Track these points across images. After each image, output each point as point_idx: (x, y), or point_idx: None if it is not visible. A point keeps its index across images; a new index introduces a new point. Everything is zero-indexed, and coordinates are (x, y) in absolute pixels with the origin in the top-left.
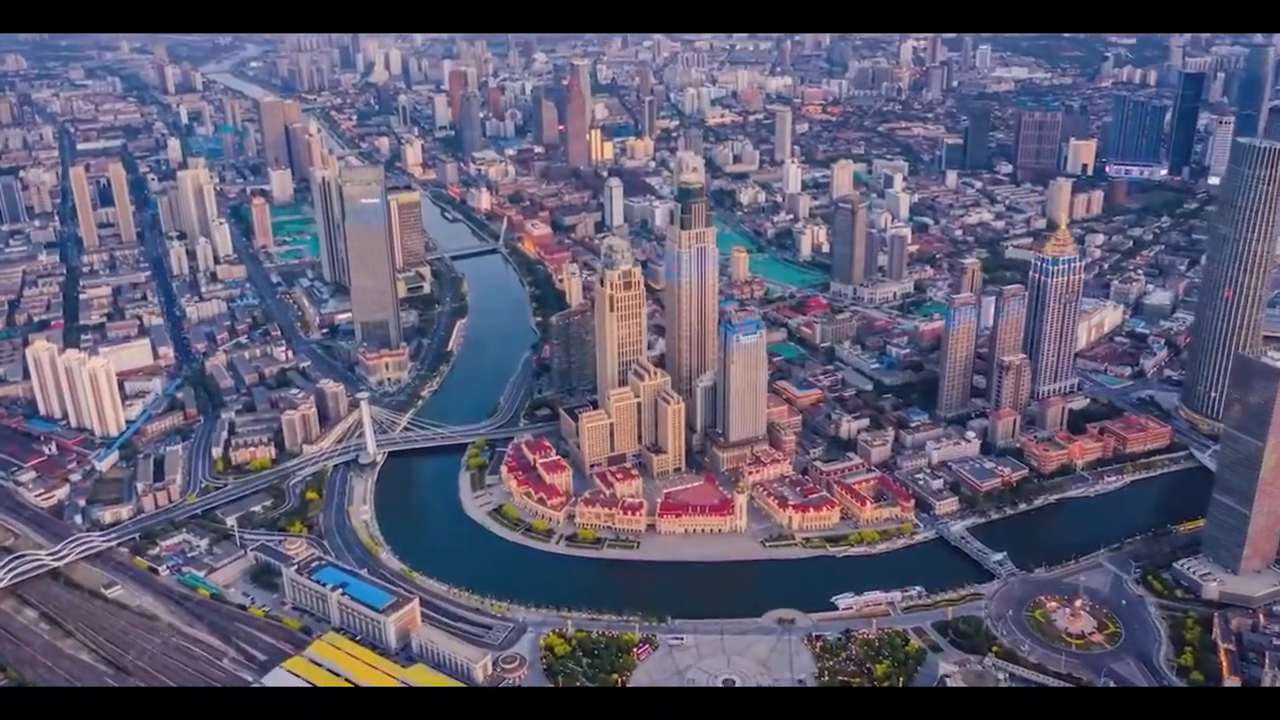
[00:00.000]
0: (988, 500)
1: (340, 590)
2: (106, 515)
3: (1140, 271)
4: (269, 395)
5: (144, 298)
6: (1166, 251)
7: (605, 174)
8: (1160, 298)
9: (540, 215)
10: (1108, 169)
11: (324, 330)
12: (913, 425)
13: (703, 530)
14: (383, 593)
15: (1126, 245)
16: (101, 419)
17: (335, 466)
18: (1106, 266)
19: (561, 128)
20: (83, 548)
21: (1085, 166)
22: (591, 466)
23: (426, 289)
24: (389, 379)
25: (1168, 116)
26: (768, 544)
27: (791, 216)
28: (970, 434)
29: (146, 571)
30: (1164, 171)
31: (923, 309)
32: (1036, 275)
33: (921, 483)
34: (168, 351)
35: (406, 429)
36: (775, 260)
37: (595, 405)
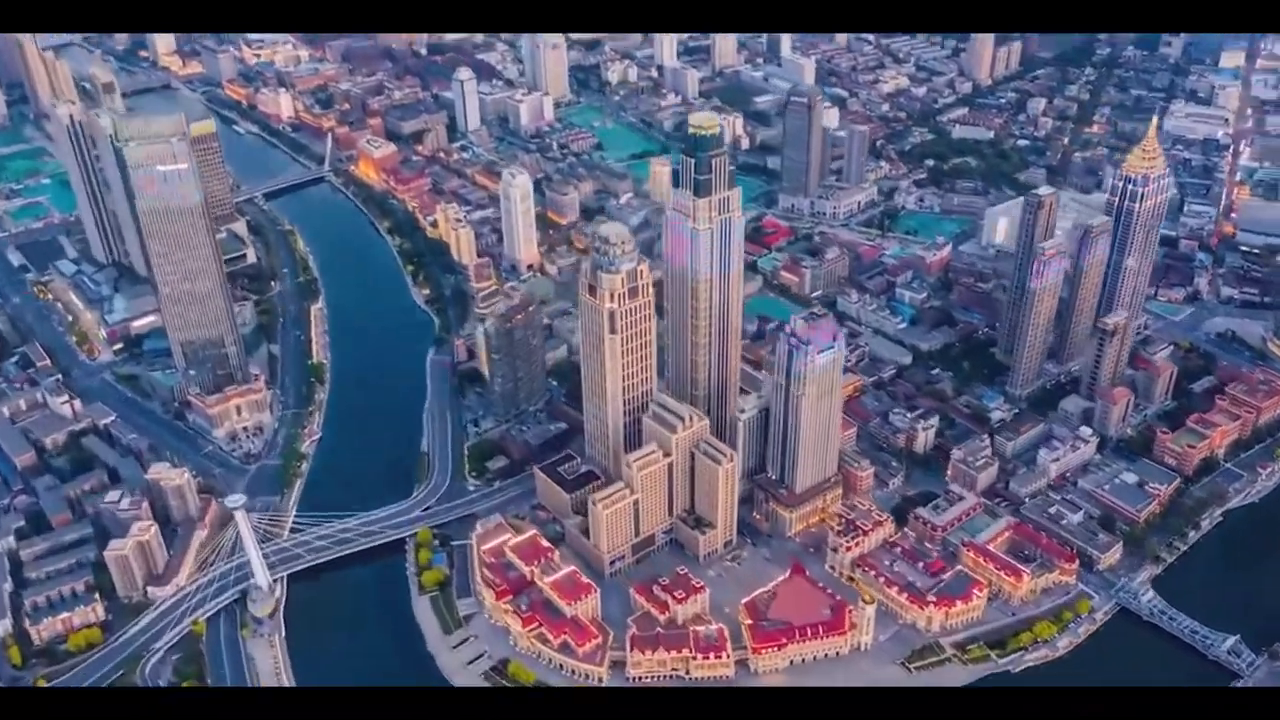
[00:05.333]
0: (1150, 533)
1: None
2: None
3: (1103, 146)
4: (65, 492)
5: None
6: (1117, 114)
7: (424, 52)
8: None
9: (370, 124)
10: None
11: (118, 348)
12: (994, 417)
13: (816, 657)
14: None
15: (1072, 110)
16: None
17: (212, 618)
18: (1068, 141)
19: None
20: None
21: None
22: (612, 565)
23: (250, 256)
24: (245, 430)
25: None
26: (912, 666)
27: (679, 99)
28: (1086, 431)
29: None
30: None
31: (899, 222)
32: (1120, 200)
33: (1063, 520)
34: None
35: (297, 528)
36: None
37: (579, 458)
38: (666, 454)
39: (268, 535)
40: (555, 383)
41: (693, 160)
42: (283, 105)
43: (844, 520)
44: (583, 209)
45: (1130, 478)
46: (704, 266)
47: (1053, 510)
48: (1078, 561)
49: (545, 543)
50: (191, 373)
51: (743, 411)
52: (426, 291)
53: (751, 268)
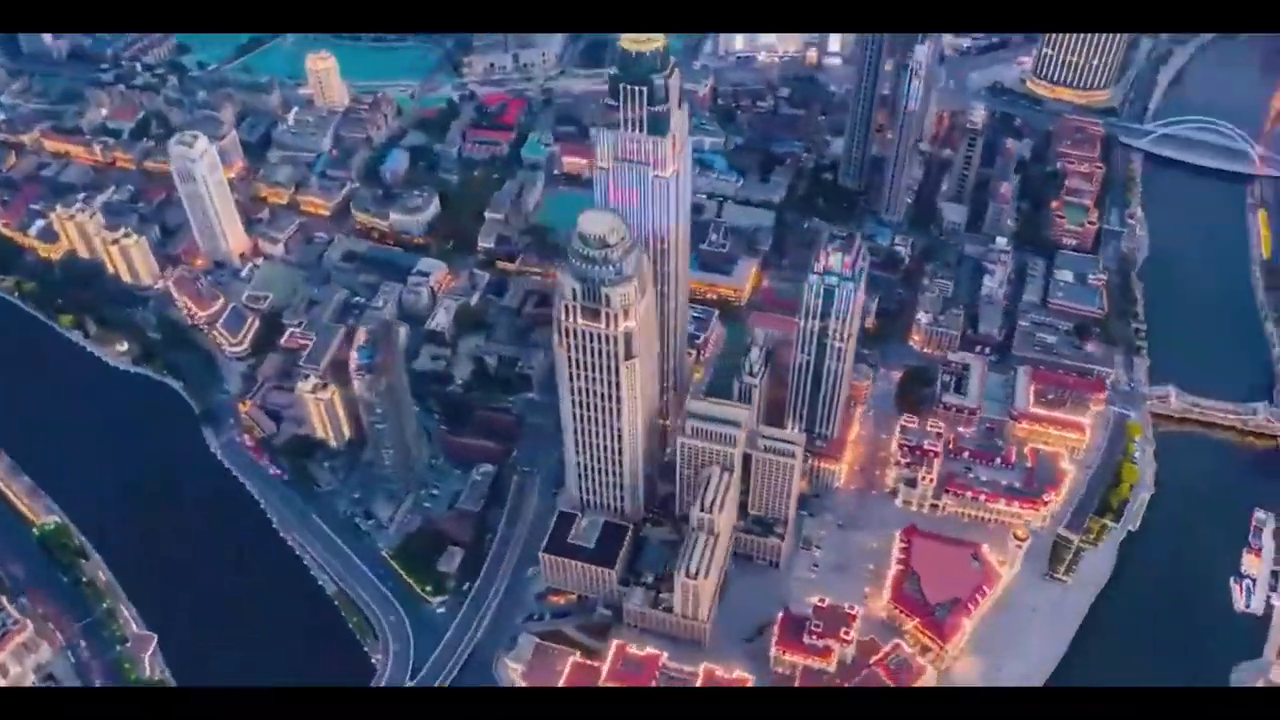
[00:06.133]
0: (1118, 326)
1: None
2: None
3: None
4: None
5: None
6: None
7: None
8: None
9: None
10: None
11: None
12: (900, 254)
13: (984, 616)
14: None
15: None
16: None
17: None
18: None
19: None
20: None
21: None
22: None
23: None
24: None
25: None
26: (1062, 575)
27: None
28: (1001, 241)
29: None
30: None
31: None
32: None
33: (1052, 347)
34: None
35: None
36: (346, 47)
37: (580, 512)
38: (729, 471)
39: None
40: (416, 407)
41: (643, 90)
42: None
43: (906, 448)
44: (244, 147)
45: (1066, 275)
46: (670, 219)
47: (1036, 340)
48: (1107, 389)
49: (638, 650)
50: None
51: (752, 375)
52: (122, 347)
53: (516, 160)
